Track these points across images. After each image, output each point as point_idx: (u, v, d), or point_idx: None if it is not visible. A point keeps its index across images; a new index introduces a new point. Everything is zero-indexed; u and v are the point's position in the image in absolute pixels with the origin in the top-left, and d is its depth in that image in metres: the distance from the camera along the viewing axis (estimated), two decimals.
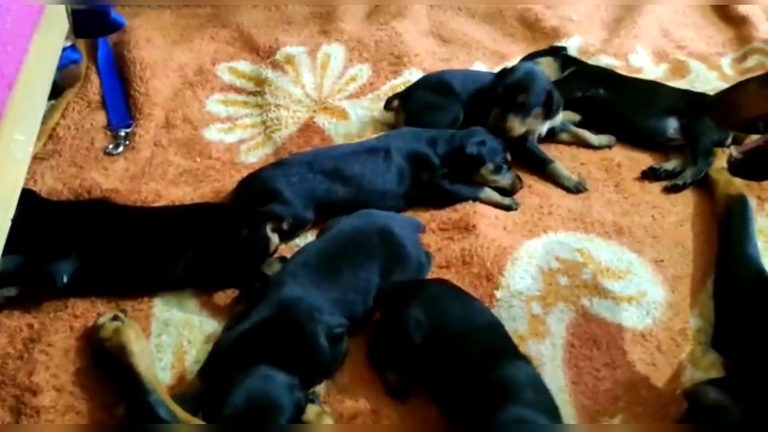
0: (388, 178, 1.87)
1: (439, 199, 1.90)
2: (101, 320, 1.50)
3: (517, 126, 1.98)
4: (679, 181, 1.98)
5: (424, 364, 1.42)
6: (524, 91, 1.97)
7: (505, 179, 1.95)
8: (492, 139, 1.95)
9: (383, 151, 1.90)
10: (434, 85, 2.17)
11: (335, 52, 2.47)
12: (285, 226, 1.71)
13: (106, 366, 1.44)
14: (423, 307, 1.46)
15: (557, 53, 2.42)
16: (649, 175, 2.03)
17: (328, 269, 1.53)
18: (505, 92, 1.98)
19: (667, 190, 1.99)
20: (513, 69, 2.07)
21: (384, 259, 1.58)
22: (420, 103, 2.12)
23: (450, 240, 1.78)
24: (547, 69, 2.27)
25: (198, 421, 1.29)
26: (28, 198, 1.65)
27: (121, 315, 1.52)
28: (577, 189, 1.98)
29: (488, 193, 1.92)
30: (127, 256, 1.61)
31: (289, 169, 1.84)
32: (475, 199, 1.91)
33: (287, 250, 1.72)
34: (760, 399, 1.32)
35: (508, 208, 1.92)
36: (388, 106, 2.17)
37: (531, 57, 2.42)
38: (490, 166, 1.92)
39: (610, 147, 2.12)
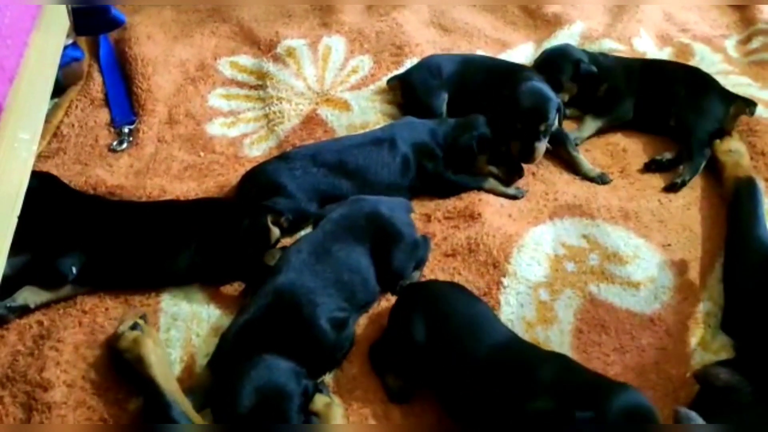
0: (392, 169, 1.87)
1: (444, 189, 1.90)
2: (121, 329, 1.49)
3: (542, 150, 1.94)
4: (677, 180, 1.95)
5: (427, 366, 1.40)
6: (544, 119, 1.89)
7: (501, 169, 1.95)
8: (487, 130, 1.93)
9: (388, 142, 1.90)
10: (430, 67, 2.19)
11: (336, 44, 2.46)
12: (284, 223, 1.71)
13: (127, 376, 1.43)
14: (426, 309, 1.45)
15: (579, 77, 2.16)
16: (652, 166, 2.01)
17: (319, 253, 1.53)
18: (526, 124, 1.89)
19: (666, 190, 1.95)
20: (522, 94, 1.91)
21: (374, 240, 1.59)
22: (415, 83, 2.17)
23: (456, 228, 1.77)
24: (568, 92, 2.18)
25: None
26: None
27: (140, 322, 1.50)
28: (602, 180, 1.97)
29: (492, 183, 1.92)
30: (130, 251, 1.62)
31: (292, 163, 1.84)
32: (480, 188, 1.91)
33: (291, 242, 1.72)
34: None
35: (513, 197, 1.91)
36: (389, 83, 2.25)
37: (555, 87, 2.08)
38: (484, 157, 1.92)
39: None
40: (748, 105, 2.08)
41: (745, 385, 1.32)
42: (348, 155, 1.86)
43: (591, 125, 2.12)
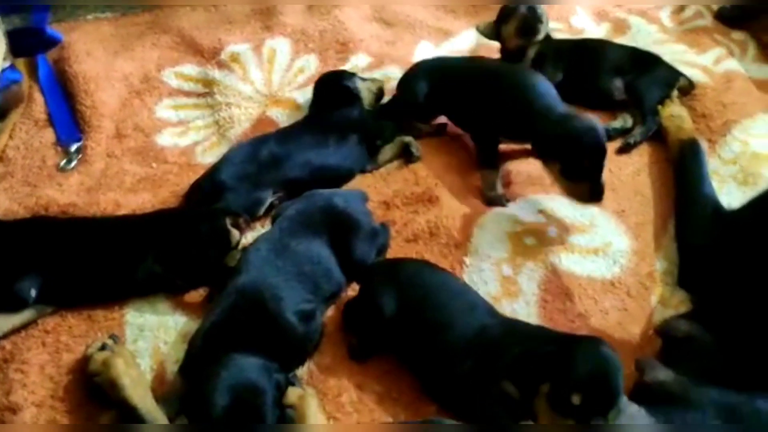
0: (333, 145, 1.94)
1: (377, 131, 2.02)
2: (90, 351, 1.45)
3: None
4: (630, 140, 2.02)
5: (397, 335, 1.44)
6: (606, 151, 1.70)
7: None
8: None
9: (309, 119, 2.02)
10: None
11: (280, 45, 2.46)
12: (243, 224, 1.71)
13: (102, 398, 1.39)
14: (396, 283, 1.48)
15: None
16: None
17: (278, 249, 1.53)
18: (593, 161, 1.68)
19: (620, 151, 2.02)
20: (581, 132, 1.69)
21: (331, 232, 1.60)
22: None
23: (415, 213, 1.79)
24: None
25: None
26: None
27: (109, 342, 1.47)
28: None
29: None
30: (88, 267, 1.59)
31: (230, 158, 1.87)
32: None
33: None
34: (728, 326, 1.36)
35: (411, 155, 1.98)
36: None
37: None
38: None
39: None
40: (690, 83, 2.16)
41: (704, 333, 1.37)
42: (287, 135, 1.94)
43: None
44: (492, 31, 2.24)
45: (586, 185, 1.69)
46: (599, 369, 1.18)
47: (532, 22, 2.17)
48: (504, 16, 2.21)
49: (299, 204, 1.67)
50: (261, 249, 1.54)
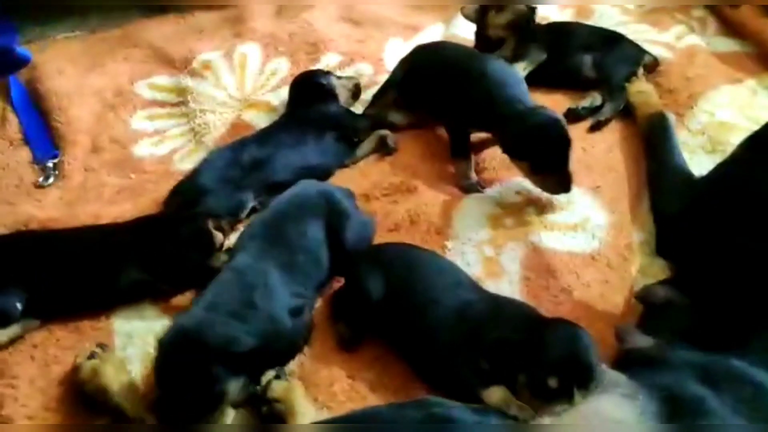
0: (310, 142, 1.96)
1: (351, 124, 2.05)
2: (78, 360, 1.46)
3: None
4: (601, 117, 2.06)
5: (385, 319, 1.46)
6: (570, 141, 1.73)
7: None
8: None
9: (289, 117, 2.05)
10: None
11: (251, 50, 2.47)
12: (225, 226, 1.72)
13: (94, 407, 1.40)
14: (382, 266, 1.50)
15: None
16: (570, 116, 2.07)
17: (273, 233, 1.55)
18: (560, 153, 1.71)
19: (592, 129, 2.05)
20: (544, 126, 1.72)
21: (328, 216, 1.61)
22: None
23: (395, 203, 1.81)
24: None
25: None
26: None
27: (97, 350, 1.47)
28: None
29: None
30: (73, 278, 1.60)
31: (211, 161, 1.89)
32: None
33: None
34: (705, 289, 1.40)
35: (387, 147, 2.00)
36: None
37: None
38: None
39: None
40: (655, 60, 2.20)
41: (682, 298, 1.40)
42: (267, 136, 1.95)
43: (521, 66, 2.16)
44: (476, 15, 2.23)
45: (554, 177, 1.73)
46: (570, 350, 1.22)
47: (529, 23, 2.22)
48: (498, 4, 2.19)
49: (293, 189, 1.69)
50: (256, 234, 1.56)
